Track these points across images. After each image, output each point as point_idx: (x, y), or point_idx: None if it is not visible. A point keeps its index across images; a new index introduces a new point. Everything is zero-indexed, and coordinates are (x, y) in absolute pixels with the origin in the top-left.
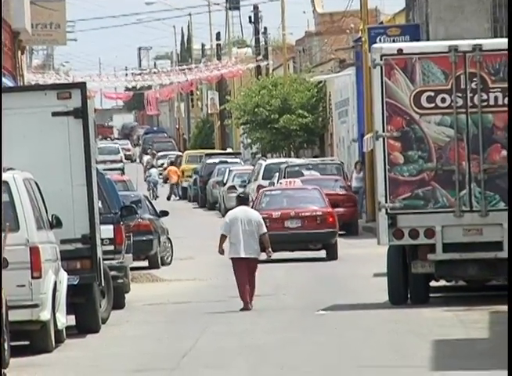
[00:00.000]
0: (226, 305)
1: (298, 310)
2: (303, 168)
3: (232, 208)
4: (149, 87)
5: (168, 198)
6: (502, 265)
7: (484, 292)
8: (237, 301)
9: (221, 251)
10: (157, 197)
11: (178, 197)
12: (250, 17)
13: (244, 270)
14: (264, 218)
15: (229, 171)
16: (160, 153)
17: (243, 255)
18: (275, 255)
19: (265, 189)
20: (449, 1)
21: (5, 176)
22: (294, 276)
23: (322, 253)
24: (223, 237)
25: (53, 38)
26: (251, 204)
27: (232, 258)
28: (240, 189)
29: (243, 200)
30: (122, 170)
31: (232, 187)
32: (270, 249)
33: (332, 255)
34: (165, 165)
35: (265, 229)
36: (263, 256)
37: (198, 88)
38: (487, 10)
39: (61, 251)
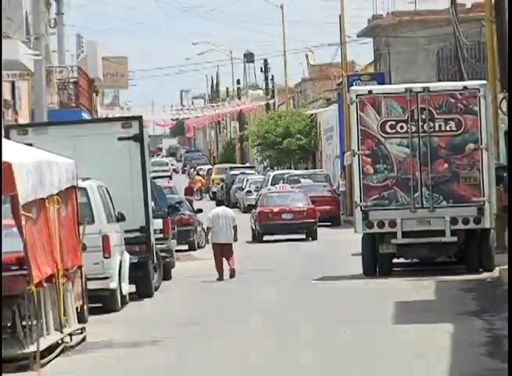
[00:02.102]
0: (244, 277)
1: (297, 280)
2: (300, 177)
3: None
4: (188, 118)
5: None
6: (445, 247)
7: (432, 267)
8: (252, 274)
9: (208, 240)
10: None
11: (200, 198)
12: (261, 68)
13: (220, 252)
14: (266, 212)
15: (247, 179)
16: (198, 167)
17: (222, 241)
18: (276, 237)
19: (265, 192)
20: (405, 56)
21: (84, 184)
22: (292, 256)
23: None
24: (209, 229)
25: (119, 84)
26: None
27: (213, 243)
28: (255, 193)
29: (221, 202)
30: (170, 177)
31: (249, 191)
32: (237, 237)
33: (314, 237)
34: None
35: (236, 223)
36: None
37: (224, 120)
38: (433, 62)
39: (125, 238)
